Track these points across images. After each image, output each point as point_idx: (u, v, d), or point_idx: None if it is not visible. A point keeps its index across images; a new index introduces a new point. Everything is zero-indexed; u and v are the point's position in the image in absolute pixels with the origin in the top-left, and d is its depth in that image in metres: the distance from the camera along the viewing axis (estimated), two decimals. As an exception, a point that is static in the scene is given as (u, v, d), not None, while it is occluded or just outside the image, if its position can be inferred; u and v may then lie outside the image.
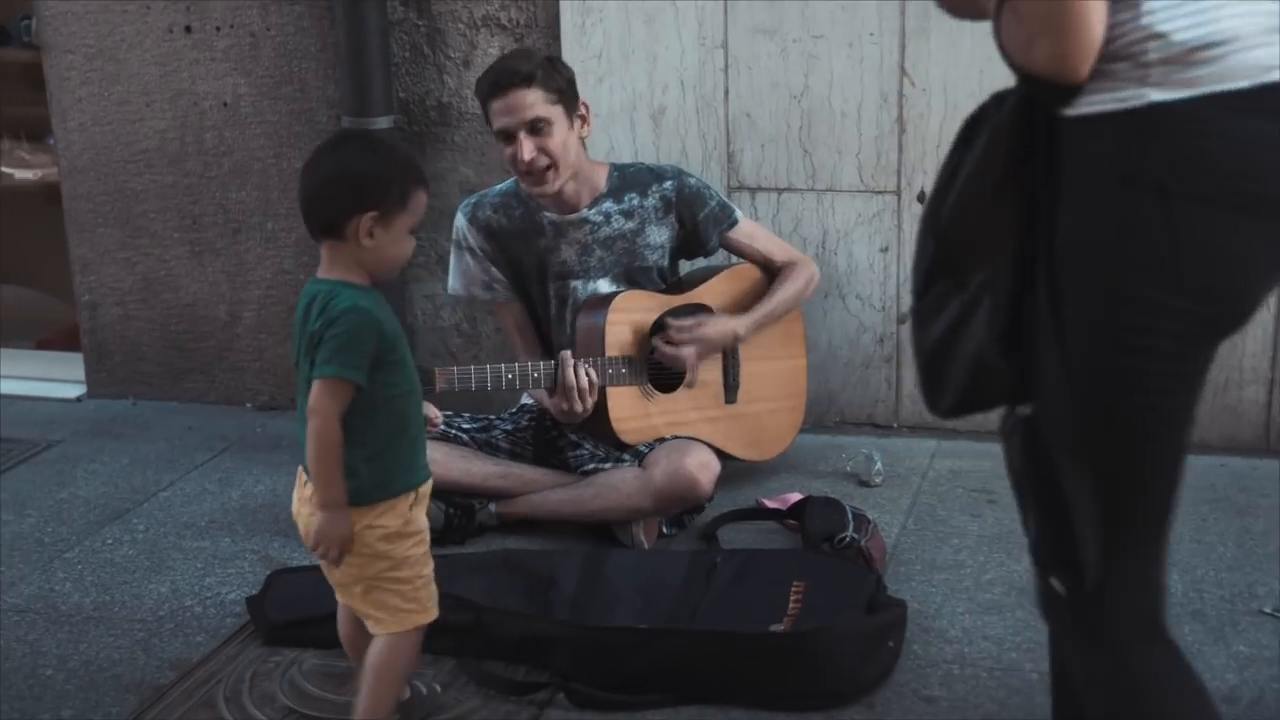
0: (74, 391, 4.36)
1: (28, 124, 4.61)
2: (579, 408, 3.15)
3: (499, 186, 3.41)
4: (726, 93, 3.76)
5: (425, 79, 3.87)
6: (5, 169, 4.65)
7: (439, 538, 3.19)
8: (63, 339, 4.54)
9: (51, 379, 4.41)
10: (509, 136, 3.18)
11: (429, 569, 2.36)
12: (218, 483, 3.68)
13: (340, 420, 2.22)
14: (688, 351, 3.26)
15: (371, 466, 2.26)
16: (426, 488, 2.37)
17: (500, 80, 3.17)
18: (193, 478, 3.71)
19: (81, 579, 3.16)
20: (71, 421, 4.16)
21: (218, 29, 3.96)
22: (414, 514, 2.34)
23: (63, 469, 3.80)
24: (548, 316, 3.40)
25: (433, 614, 2.37)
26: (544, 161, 3.18)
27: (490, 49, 3.81)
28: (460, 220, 3.39)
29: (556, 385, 3.15)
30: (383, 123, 3.77)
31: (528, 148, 3.16)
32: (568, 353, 3.16)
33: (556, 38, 3.74)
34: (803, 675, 2.58)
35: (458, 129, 3.88)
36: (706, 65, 3.74)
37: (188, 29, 3.98)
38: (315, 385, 2.21)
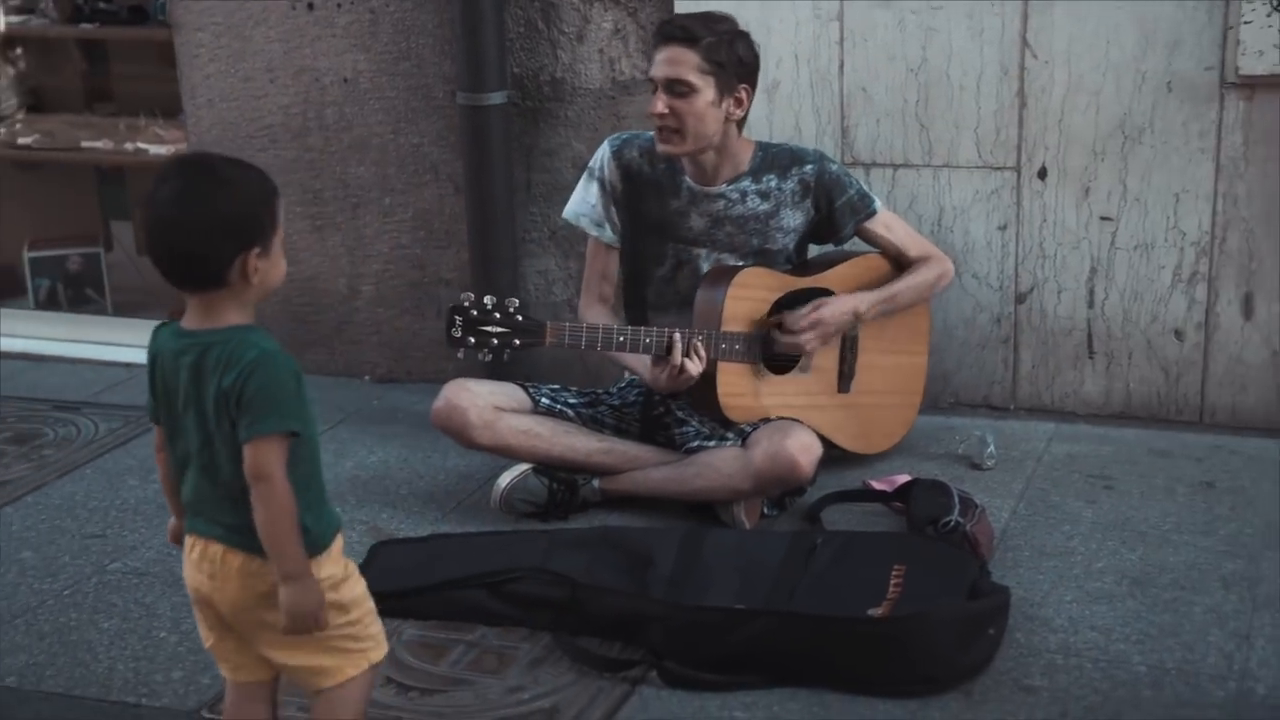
0: (202, 362, 4.47)
1: (162, 101, 4.71)
2: (681, 381, 3.12)
3: (652, 132, 3.35)
4: (841, 66, 3.69)
5: (539, 54, 3.88)
6: (141, 144, 4.76)
7: (542, 512, 3.23)
8: (192, 310, 4.65)
9: (182, 349, 4.51)
10: (654, 86, 3.17)
11: (370, 603, 2.18)
12: (332, 454, 3.73)
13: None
14: (806, 338, 3.21)
15: (313, 515, 2.08)
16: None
17: (669, 31, 3.17)
18: (309, 448, 3.78)
19: (197, 545, 3.25)
20: (198, 390, 4.26)
21: (339, 6, 4.02)
22: (343, 555, 2.18)
23: (187, 437, 3.90)
24: (652, 275, 3.37)
25: (384, 648, 2.19)
26: (672, 123, 3.16)
27: (604, 23, 3.80)
28: (605, 150, 3.38)
29: (666, 355, 3.12)
30: (496, 98, 3.79)
31: (660, 102, 3.15)
32: (680, 334, 3.13)
33: (670, 12, 3.71)
34: (899, 661, 2.54)
35: (570, 104, 3.88)
36: (821, 38, 3.68)
37: (310, 6, 4.04)
38: (254, 448, 1.98)
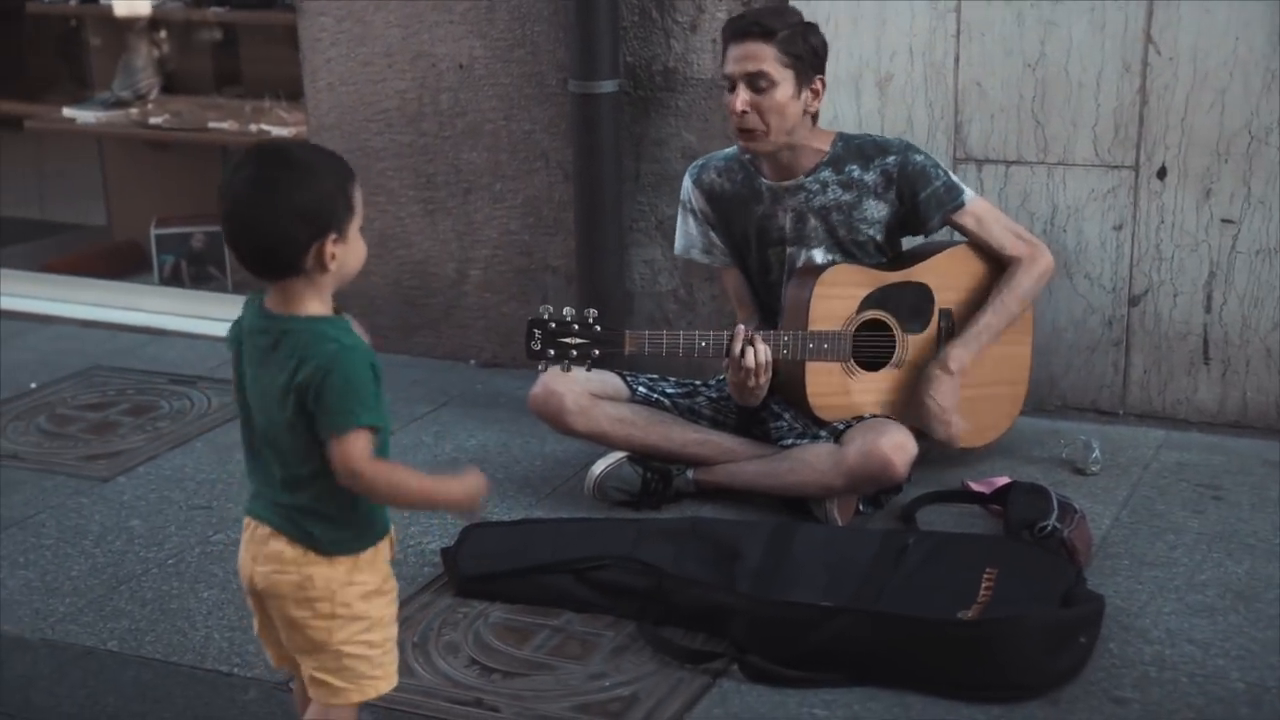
0: (314, 341, 4.55)
1: (286, 83, 4.81)
2: (749, 383, 3.08)
3: (725, 151, 3.38)
4: (957, 60, 3.63)
5: (652, 43, 3.87)
6: (264, 126, 4.87)
7: (635, 501, 3.23)
8: (309, 290, 4.74)
9: (295, 329, 4.60)
10: (732, 84, 3.16)
11: (394, 631, 2.16)
12: (434, 435, 3.78)
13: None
14: (950, 431, 3.22)
15: (357, 512, 2.08)
16: (392, 532, 2.19)
17: (743, 26, 3.16)
18: (411, 430, 3.83)
19: (298, 520, 3.31)
20: (310, 369, 4.34)
21: (457, -8, 4.06)
22: (389, 569, 2.16)
23: (295, 415, 3.97)
24: (766, 283, 3.36)
25: (394, 681, 2.16)
26: (753, 119, 3.14)
27: (718, 13, 3.78)
28: (687, 182, 3.39)
29: (726, 356, 3.09)
30: (607, 86, 3.80)
31: (741, 99, 3.13)
32: (742, 327, 3.10)
33: (785, 2, 3.68)
34: (986, 665, 2.49)
35: (682, 94, 3.87)
36: (937, 31, 3.62)
37: (429, -8, 4.09)
38: (340, 444, 1.98)
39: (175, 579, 3.06)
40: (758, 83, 3.11)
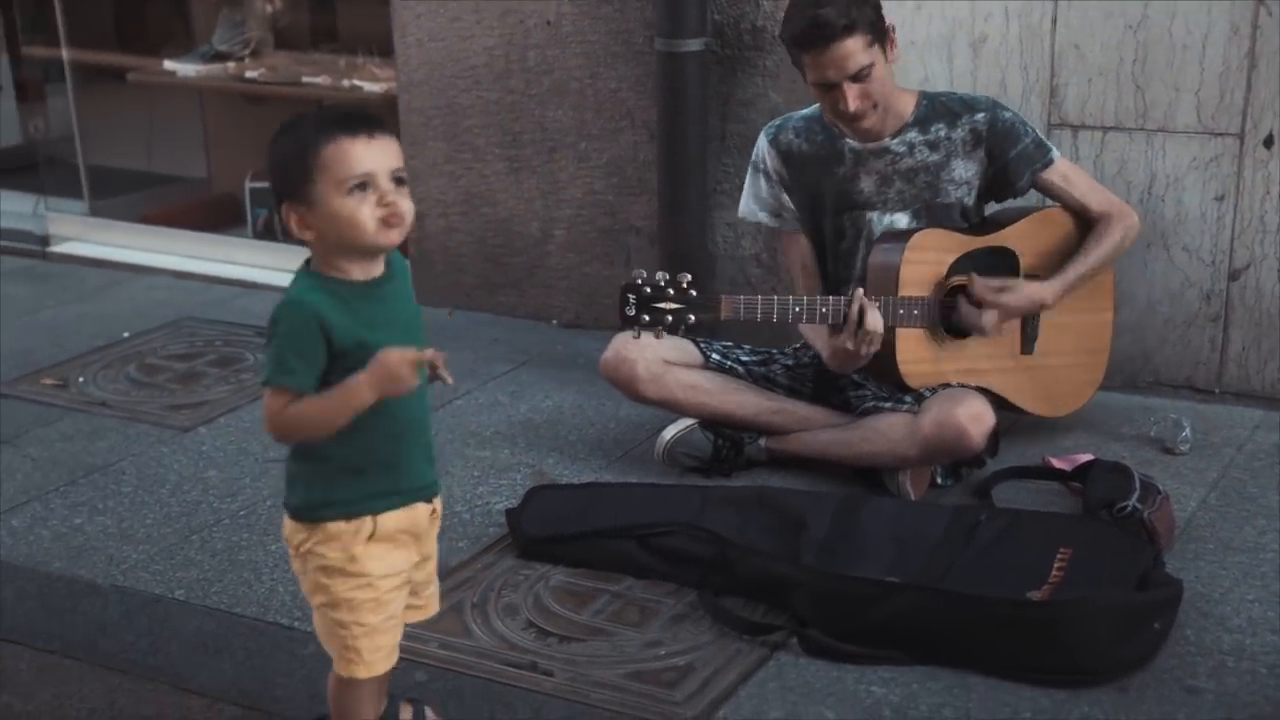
0: (400, 298, 4.56)
1: (379, 39, 4.80)
2: (863, 350, 3.00)
3: (804, 111, 3.29)
4: (1054, 21, 3.50)
5: (741, 2, 3.79)
6: (357, 82, 4.88)
7: (705, 468, 3.18)
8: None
9: (382, 285, 4.62)
10: (829, 85, 3.05)
11: (375, 619, 2.08)
12: (510, 395, 3.77)
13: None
14: (988, 318, 3.07)
15: (314, 483, 2.05)
16: (394, 521, 2.08)
17: (816, 34, 2.99)
18: (488, 389, 3.81)
19: (369, 476, 3.31)
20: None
21: (545, -53, 4.01)
22: (365, 553, 2.05)
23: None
24: (837, 250, 3.27)
25: (374, 670, 2.11)
26: (866, 105, 3.06)
27: (810, -29, 3.68)
28: (762, 141, 3.31)
29: (844, 322, 3.01)
30: (694, 44, 3.73)
31: (853, 97, 3.02)
32: (861, 290, 3.01)
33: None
34: (1052, 648, 2.41)
35: (770, 54, 3.78)
36: (1035, -9, 3.50)
37: (517, -53, 4.05)
38: (264, 399, 1.99)
39: (245, 530, 3.08)
40: (861, 75, 3.01)
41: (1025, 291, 3.11)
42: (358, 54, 5.00)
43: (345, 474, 2.04)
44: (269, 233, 5.15)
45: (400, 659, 2.54)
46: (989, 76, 3.56)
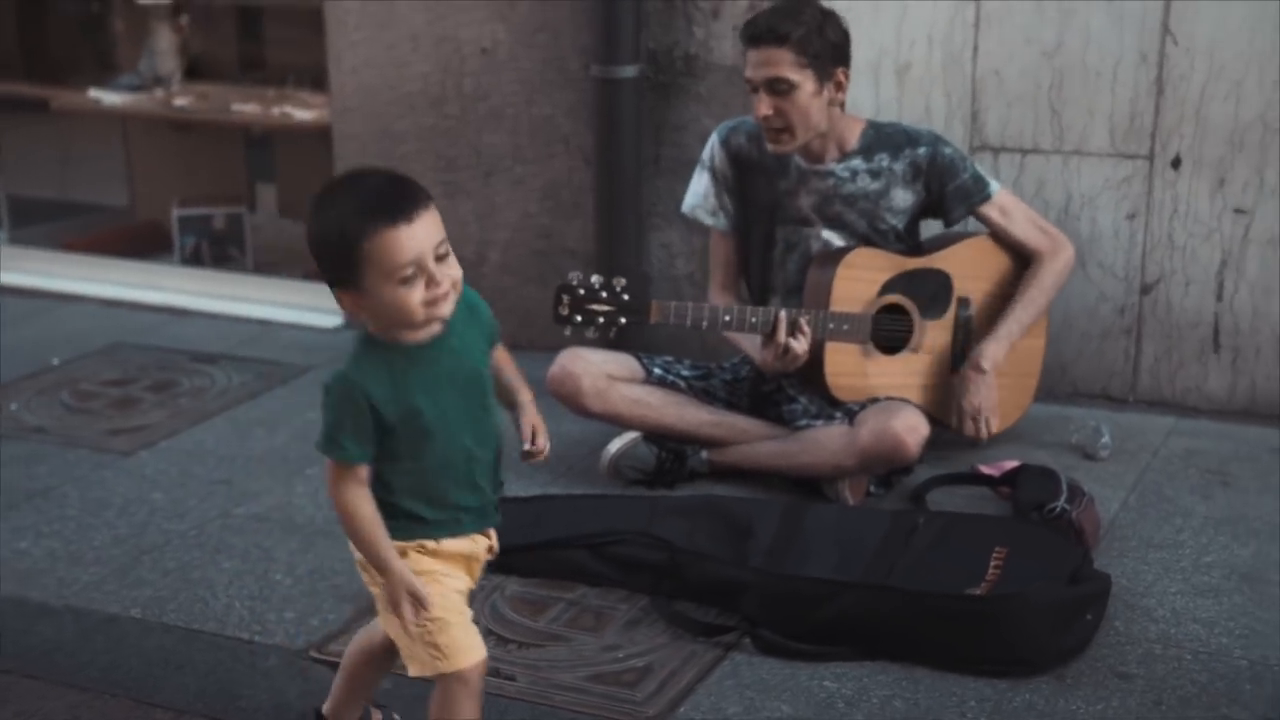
0: (334, 321, 4.60)
1: (310, 67, 4.87)
2: (787, 367, 3.14)
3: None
4: (975, 49, 3.67)
5: (674, 29, 3.91)
6: (288, 109, 4.93)
7: (649, 480, 3.28)
8: (329, 271, 4.78)
9: (317, 308, 4.65)
10: (754, 88, 3.19)
11: (444, 613, 2.11)
12: (452, 414, 3.83)
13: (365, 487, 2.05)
14: (981, 428, 3.29)
15: (380, 505, 2.09)
16: (454, 545, 2.15)
17: (756, 32, 3.16)
18: (430, 408, 3.87)
19: (317, 495, 3.35)
20: (328, 349, 4.38)
21: (480, -24, 4.10)
22: (423, 559, 2.13)
23: (314, 393, 3.92)
24: (765, 258, 3.39)
25: (458, 660, 2.12)
26: (779, 122, 3.17)
27: (739, 1, 3.82)
28: (714, 140, 3.41)
29: (773, 333, 3.14)
30: (629, 71, 3.84)
31: (764, 105, 3.16)
32: (784, 313, 3.13)
33: (803, -9, 3.71)
34: (993, 640, 2.53)
35: (703, 80, 3.91)
36: (956, 20, 3.66)
37: (452, -24, 4.14)
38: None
39: (197, 550, 3.10)
40: (777, 87, 3.13)
41: (987, 383, 3.27)
42: (287, 82, 5.05)
43: (406, 500, 2.10)
44: (197, 259, 5.17)
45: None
46: (913, 102, 3.72)
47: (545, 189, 4.17)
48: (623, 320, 3.04)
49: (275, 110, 4.94)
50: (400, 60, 4.27)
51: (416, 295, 1.95)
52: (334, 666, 2.62)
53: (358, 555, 2.16)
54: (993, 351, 3.27)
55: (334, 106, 4.43)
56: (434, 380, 2.05)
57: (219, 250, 5.19)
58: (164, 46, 5.39)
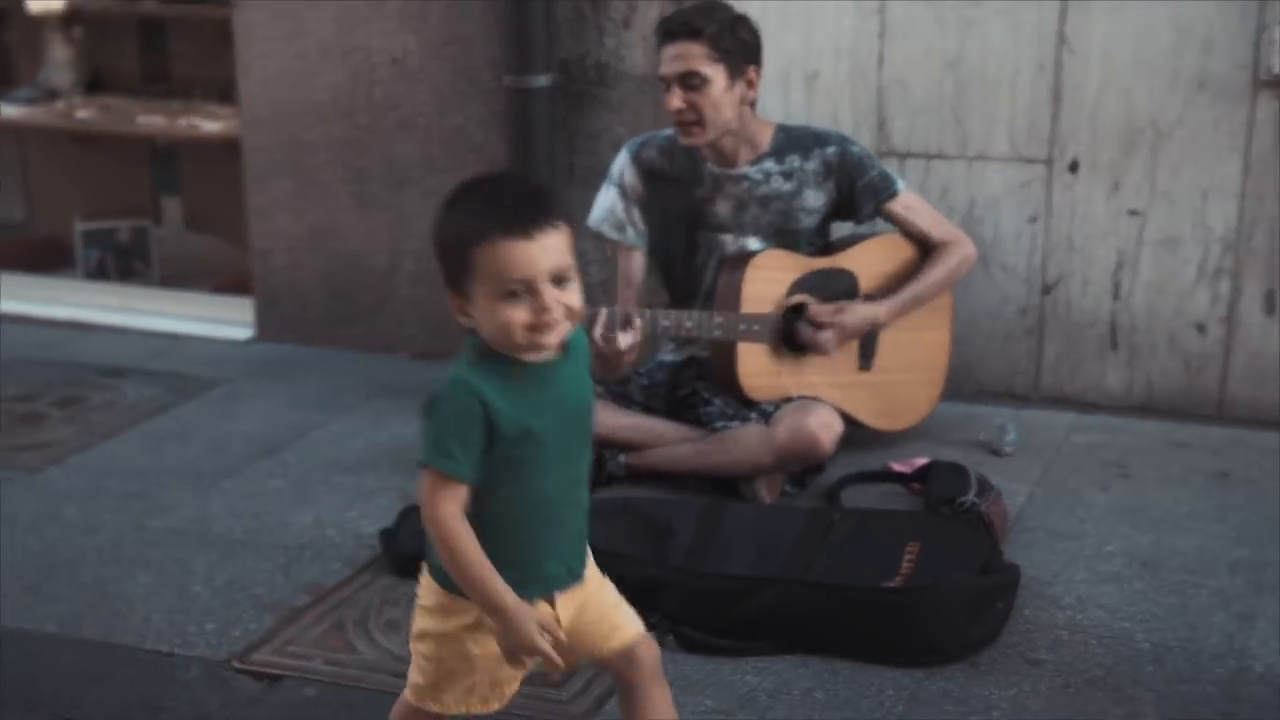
0: (244, 334, 4.58)
1: (217, 78, 4.84)
2: (615, 363, 3.11)
3: (668, 130, 3.43)
4: (881, 59, 3.75)
5: (585, 39, 3.96)
6: (195, 121, 4.89)
7: (569, 484, 3.30)
8: (237, 284, 4.76)
9: (226, 321, 4.63)
10: (667, 84, 3.25)
11: (430, 649, 1.98)
12: (368, 424, 3.83)
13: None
14: (825, 337, 3.28)
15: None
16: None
17: (671, 27, 3.25)
18: (344, 419, 3.88)
19: (233, 506, 3.34)
20: (239, 362, 4.37)
21: (391, -13, 4.11)
22: (468, 634, 1.95)
23: (227, 405, 4.01)
24: (688, 267, 3.44)
25: (442, 709, 2.00)
26: (691, 116, 3.24)
27: (650, 11, 3.87)
28: (624, 157, 3.45)
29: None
30: (542, 80, 3.87)
31: (676, 98, 3.22)
32: (603, 311, 3.10)
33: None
34: (909, 630, 2.60)
35: (615, 89, 3.96)
36: (862, 31, 3.74)
37: (363, -14, 4.14)
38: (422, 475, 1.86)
39: (113, 563, 3.08)
40: (690, 81, 3.21)
41: (860, 312, 3.32)
42: (194, 94, 5.01)
43: (485, 540, 1.88)
44: (101, 273, 5.10)
45: (287, 677, 2.62)
46: (822, 110, 3.79)
47: (457, 198, 4.18)
48: None
49: (182, 122, 4.90)
50: (310, 70, 4.27)
51: (520, 315, 1.81)
52: (256, 677, 2.64)
53: (423, 600, 1.98)
54: (884, 303, 3.34)
55: (243, 118, 4.41)
56: (549, 403, 1.89)
57: (124, 264, 5.13)
58: (60, 59, 5.31)
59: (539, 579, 1.94)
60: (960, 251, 3.44)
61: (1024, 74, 3.66)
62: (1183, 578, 2.88)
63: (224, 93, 4.83)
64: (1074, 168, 3.67)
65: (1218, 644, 2.63)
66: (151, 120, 4.99)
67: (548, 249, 1.82)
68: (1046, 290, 3.76)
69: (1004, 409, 3.76)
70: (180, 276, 5.05)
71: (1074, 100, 3.64)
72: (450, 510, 1.84)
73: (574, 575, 2.00)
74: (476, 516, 1.87)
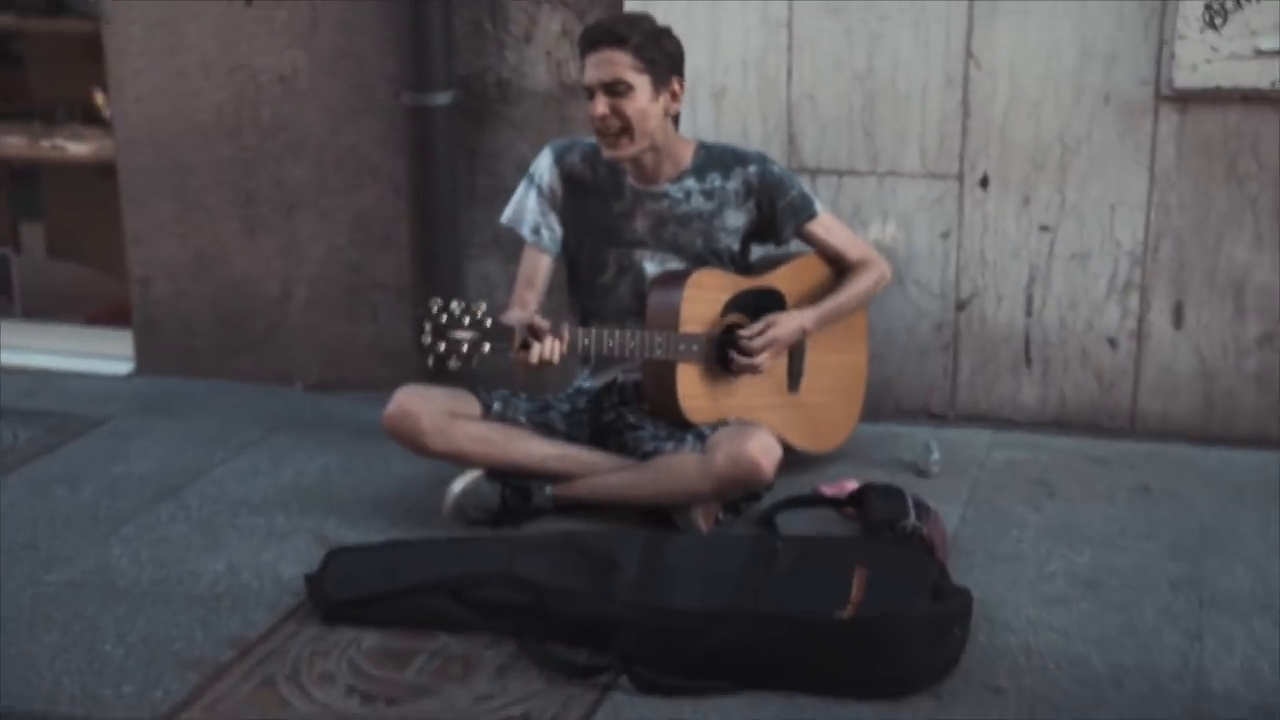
0: (123, 368, 4.35)
1: (82, 96, 4.60)
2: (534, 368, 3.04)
3: (592, 139, 3.33)
4: (789, 73, 3.72)
5: (485, 55, 3.85)
6: (60, 142, 4.63)
7: (495, 519, 3.20)
8: (112, 315, 4.52)
9: (103, 355, 4.40)
10: (591, 92, 3.17)
11: None
12: (269, 461, 3.66)
13: None
14: (761, 359, 3.24)
15: None
16: None
17: (595, 36, 3.19)
18: (245, 455, 3.70)
19: (137, 555, 3.15)
20: (122, 398, 4.15)
21: (278, 1, 3.94)
22: None
23: (115, 445, 3.80)
24: (595, 282, 3.36)
25: None
26: (616, 124, 3.17)
27: (552, 25, 3.78)
28: (546, 158, 3.36)
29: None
30: (442, 98, 3.76)
31: (600, 105, 3.15)
32: (536, 320, 3.02)
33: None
34: (870, 661, 2.55)
35: (517, 106, 3.85)
36: (769, 45, 3.70)
37: (248, 1, 3.96)
38: None
39: (9, 624, 2.86)
40: (615, 89, 3.14)
41: (788, 323, 3.29)
42: (57, 113, 4.74)
43: None
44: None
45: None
46: (731, 126, 3.74)
47: (353, 221, 4.04)
48: (487, 347, 2.93)
49: (44, 143, 4.64)
50: (191, 89, 4.07)
51: None
52: (190, 741, 2.48)
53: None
54: (812, 311, 3.33)
55: (118, 138, 4.19)
56: None
57: (-17, 296, 4.84)
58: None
59: None
60: (877, 269, 3.45)
61: (933, 88, 3.66)
62: (1126, 596, 2.89)
63: (88, 112, 4.59)
64: (984, 183, 3.68)
65: (1174, 664, 2.63)
66: (8, 141, 4.71)
67: None
68: (961, 306, 3.76)
69: (923, 427, 3.75)
70: (46, 309, 4.77)
71: (983, 115, 3.65)
72: None
73: None
74: None
